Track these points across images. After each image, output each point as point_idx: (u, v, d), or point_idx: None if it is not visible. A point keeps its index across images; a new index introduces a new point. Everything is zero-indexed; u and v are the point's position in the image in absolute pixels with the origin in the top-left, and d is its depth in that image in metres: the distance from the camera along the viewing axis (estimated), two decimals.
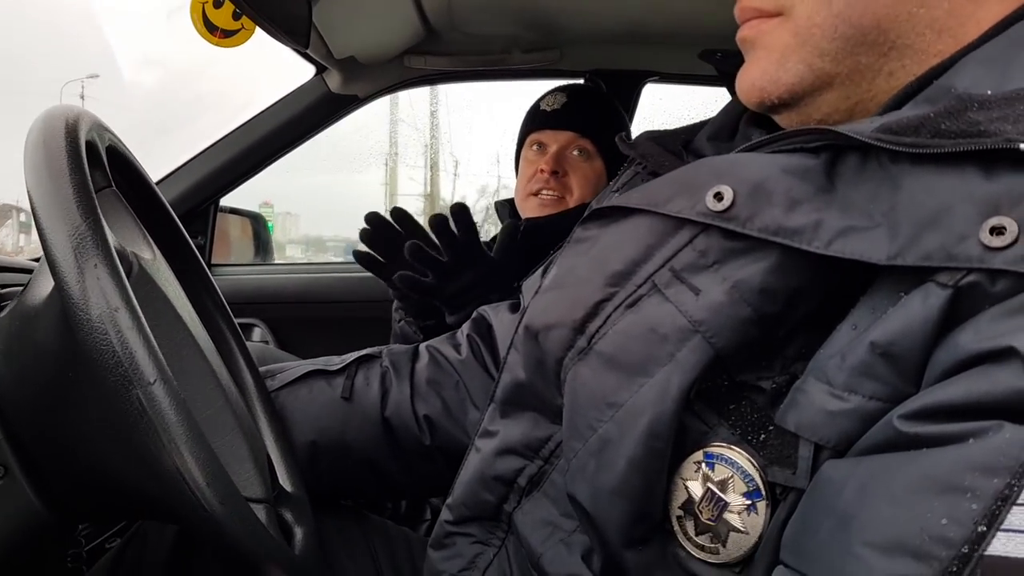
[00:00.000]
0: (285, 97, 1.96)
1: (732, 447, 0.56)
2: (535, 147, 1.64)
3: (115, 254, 0.55)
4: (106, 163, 0.71)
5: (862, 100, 0.61)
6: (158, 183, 1.87)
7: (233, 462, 0.71)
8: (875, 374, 0.49)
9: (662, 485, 0.57)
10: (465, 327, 1.05)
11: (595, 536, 0.62)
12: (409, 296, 1.46)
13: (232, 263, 2.31)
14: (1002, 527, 0.40)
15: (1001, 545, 0.40)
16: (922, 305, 0.47)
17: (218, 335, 0.89)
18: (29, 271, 1.12)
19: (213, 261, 2.14)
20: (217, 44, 1.49)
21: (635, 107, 2.03)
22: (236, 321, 0.94)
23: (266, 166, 2.02)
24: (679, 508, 0.58)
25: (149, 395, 0.52)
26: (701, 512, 0.56)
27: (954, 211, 0.47)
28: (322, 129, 2.00)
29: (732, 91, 0.77)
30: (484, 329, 1.02)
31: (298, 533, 0.74)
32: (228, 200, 2.12)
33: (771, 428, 0.54)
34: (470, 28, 1.81)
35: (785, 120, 0.65)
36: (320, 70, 1.91)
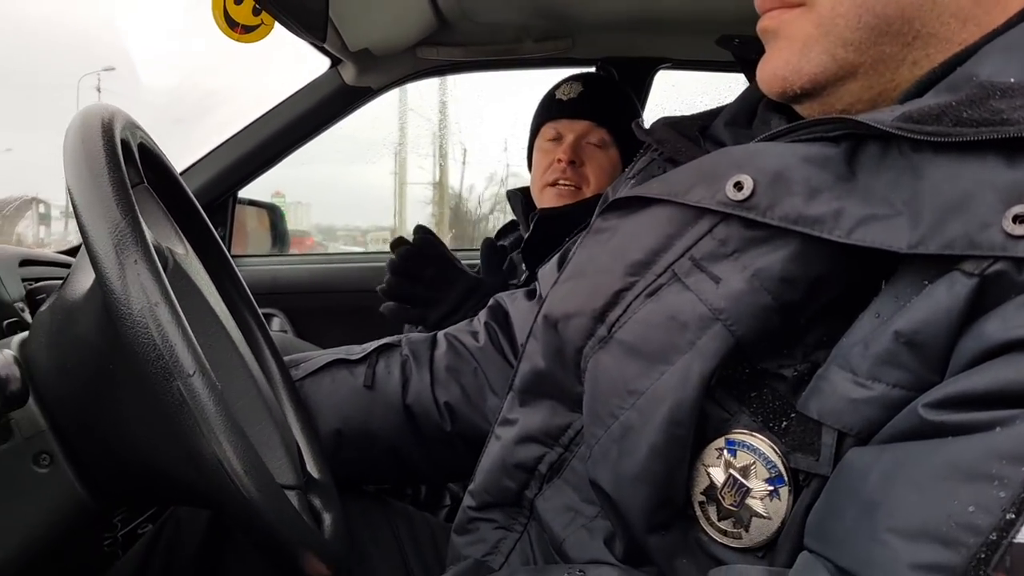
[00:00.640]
0: (301, 90, 1.97)
1: (754, 434, 0.56)
2: (551, 137, 1.63)
3: (153, 250, 0.57)
4: (138, 160, 0.73)
5: (885, 90, 0.61)
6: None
7: (266, 450, 0.72)
8: (899, 362, 0.49)
9: (684, 471, 0.58)
10: (482, 315, 1.06)
11: (618, 521, 0.63)
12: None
13: (250, 254, 2.33)
14: None
15: None
16: (948, 294, 0.48)
17: (245, 327, 0.90)
18: (61, 264, 1.14)
19: (232, 252, 2.16)
20: (238, 39, 1.50)
21: (647, 94, 2.03)
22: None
23: (283, 158, 2.03)
24: (701, 494, 0.59)
25: (189, 386, 0.53)
26: (723, 498, 0.57)
27: (976, 199, 0.48)
28: (337, 121, 2.01)
29: (750, 77, 0.77)
30: (501, 317, 1.03)
31: (327, 519, 0.76)
32: (243, 192, 2.13)
33: (793, 415, 0.55)
34: (482, 17, 1.80)
35: (807, 110, 0.65)
36: (335, 63, 1.92)
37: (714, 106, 0.80)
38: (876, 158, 0.55)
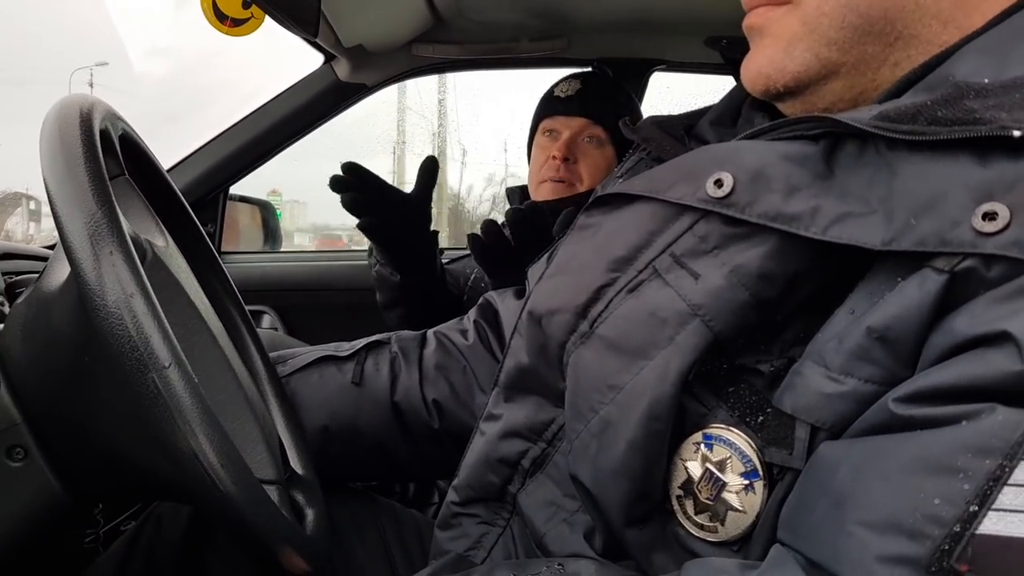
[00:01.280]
0: (294, 85, 1.96)
1: (730, 428, 0.57)
2: (547, 133, 1.66)
3: (130, 241, 0.57)
4: (119, 151, 0.72)
5: (866, 89, 0.61)
6: (168, 171, 1.89)
7: (246, 444, 0.72)
8: (871, 358, 0.50)
9: (662, 465, 0.59)
10: (472, 313, 1.06)
11: (597, 515, 0.63)
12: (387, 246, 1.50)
13: (241, 251, 2.32)
14: (993, 507, 0.41)
15: (992, 524, 0.41)
16: (918, 290, 0.48)
17: (229, 321, 0.90)
18: (43, 258, 1.14)
19: (223, 249, 2.15)
20: (227, 33, 1.50)
21: (643, 95, 2.03)
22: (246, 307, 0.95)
23: (276, 154, 2.03)
24: (679, 488, 0.59)
25: (164, 379, 0.53)
26: (700, 492, 0.58)
27: (948, 197, 0.48)
28: (331, 117, 2.01)
29: (737, 77, 0.78)
30: (490, 315, 1.03)
31: (309, 514, 0.75)
32: (237, 188, 2.13)
33: (769, 410, 0.56)
34: (478, 16, 1.81)
35: (789, 108, 0.66)
36: (329, 58, 1.91)
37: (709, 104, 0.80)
38: (854, 156, 0.55)
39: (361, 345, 1.02)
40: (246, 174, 2.04)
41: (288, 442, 0.85)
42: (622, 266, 0.64)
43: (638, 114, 1.70)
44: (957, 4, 0.58)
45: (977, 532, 0.41)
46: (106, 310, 0.53)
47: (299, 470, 0.82)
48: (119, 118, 0.73)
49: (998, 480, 0.41)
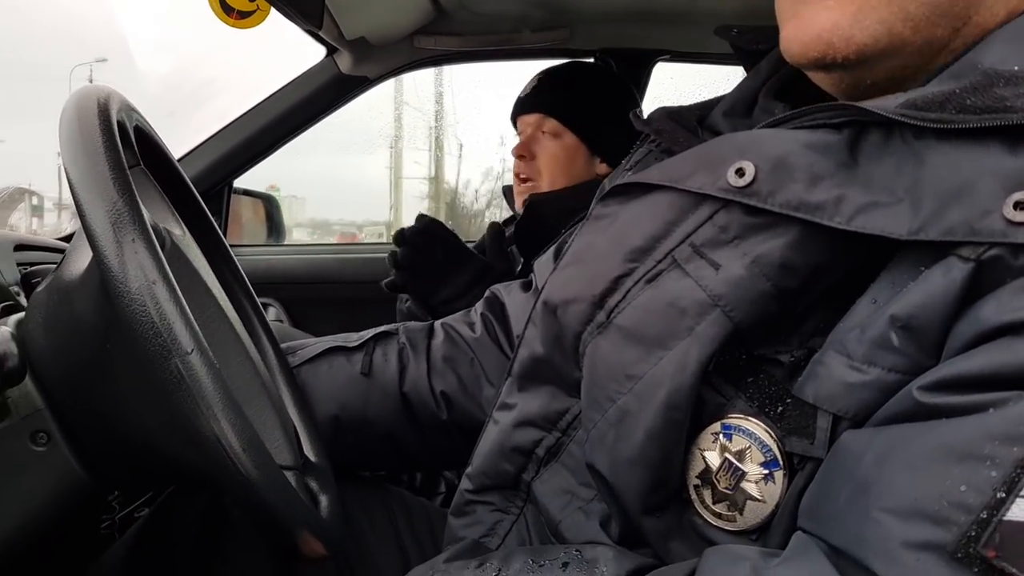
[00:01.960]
0: (297, 79, 1.96)
1: (749, 418, 0.57)
2: (518, 135, 1.68)
3: (151, 229, 0.57)
4: (135, 142, 0.72)
5: (917, 73, 0.59)
6: None
7: (264, 430, 0.72)
8: (895, 347, 0.50)
9: (680, 455, 0.59)
10: (479, 306, 1.06)
11: (614, 504, 0.64)
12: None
13: (245, 244, 2.32)
14: (1021, 493, 0.41)
15: (1020, 510, 0.41)
16: (944, 278, 0.48)
17: (241, 310, 0.90)
18: (56, 250, 1.14)
19: (228, 242, 2.15)
20: (233, 25, 1.50)
21: (646, 86, 2.03)
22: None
23: (279, 147, 2.03)
24: (696, 477, 0.59)
25: (187, 364, 0.53)
26: (718, 481, 0.58)
27: (978, 186, 0.48)
28: (333, 110, 2.01)
29: (747, 67, 0.78)
30: (497, 308, 1.03)
31: (323, 500, 0.76)
32: (236, 182, 2.13)
33: (788, 400, 0.55)
34: (479, 7, 1.81)
35: (832, 81, 0.63)
36: (331, 51, 1.91)
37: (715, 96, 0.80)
38: (878, 145, 0.55)
39: (369, 336, 1.02)
40: (250, 167, 2.04)
41: (301, 430, 0.86)
42: (640, 256, 0.63)
43: (613, 98, 1.67)
44: None
45: (1005, 518, 0.41)
46: (129, 296, 0.53)
47: (312, 457, 0.83)
48: (134, 109, 0.73)
49: None
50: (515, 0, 1.79)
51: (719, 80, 2.15)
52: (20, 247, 1.07)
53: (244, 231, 2.32)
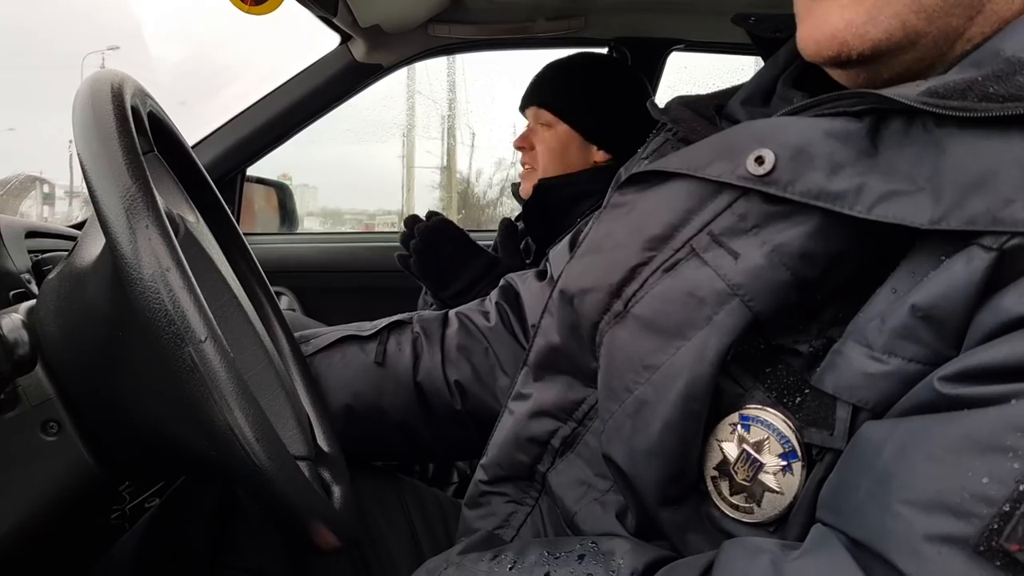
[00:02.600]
0: (311, 66, 1.97)
1: (767, 409, 0.56)
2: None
3: (164, 216, 0.56)
4: (148, 128, 0.72)
5: (935, 64, 0.59)
6: None
7: (278, 420, 0.72)
8: (916, 337, 0.49)
9: (697, 446, 0.58)
10: (493, 295, 1.06)
11: (630, 495, 0.63)
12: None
13: (258, 232, 2.33)
14: None
15: None
16: (965, 268, 0.47)
17: (255, 298, 0.90)
18: (67, 237, 1.14)
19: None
20: (248, 12, 1.49)
21: (660, 76, 2.02)
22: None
23: (292, 135, 2.03)
24: (714, 469, 0.59)
25: (200, 352, 0.53)
26: (736, 473, 0.57)
27: (1000, 175, 0.47)
28: (347, 98, 2.01)
29: (764, 56, 0.77)
30: (512, 297, 1.03)
31: (336, 491, 0.76)
32: (249, 170, 2.13)
33: (807, 391, 0.55)
34: None
35: (849, 77, 0.62)
36: (345, 39, 1.91)
37: (727, 87, 0.79)
38: (899, 133, 0.54)
39: (383, 325, 1.02)
40: (263, 155, 2.05)
41: (315, 419, 0.85)
42: (658, 245, 0.63)
43: (610, 86, 1.68)
44: None
45: None
46: (142, 283, 0.53)
47: (326, 447, 0.83)
48: (148, 95, 0.73)
49: None
50: None
51: (733, 70, 2.15)
52: (32, 234, 1.07)
53: (257, 219, 2.32)
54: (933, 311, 0.49)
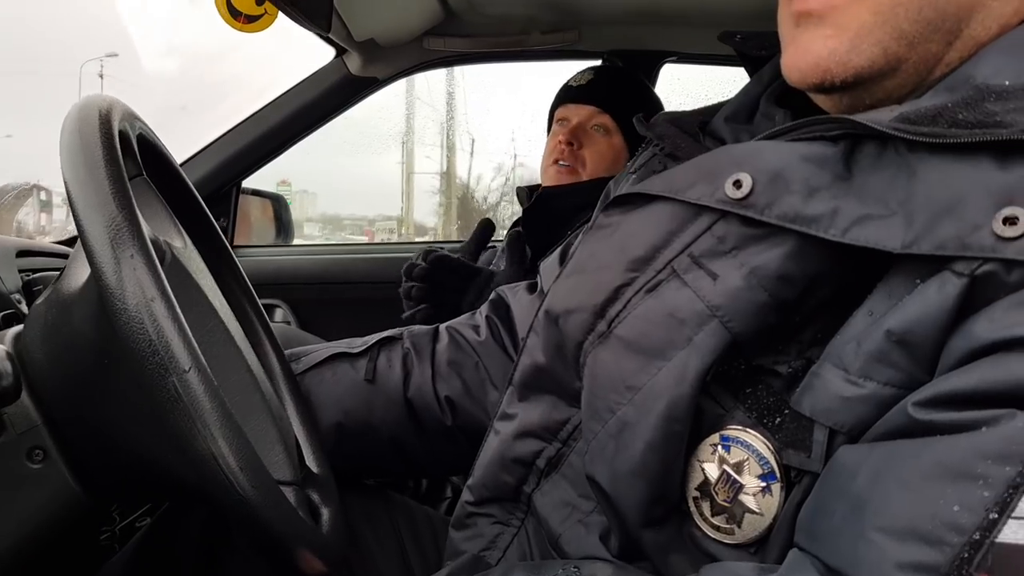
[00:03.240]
0: (306, 79, 1.97)
1: (748, 430, 0.57)
2: (560, 122, 1.71)
3: (150, 244, 0.57)
4: (137, 152, 0.72)
5: (917, 88, 0.60)
6: (181, 165, 1.91)
7: (263, 446, 0.72)
8: (891, 361, 0.50)
9: (679, 467, 0.59)
10: (484, 308, 1.06)
11: (613, 516, 0.64)
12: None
13: (253, 244, 2.33)
14: (1013, 514, 0.41)
15: (1012, 532, 0.41)
16: (938, 293, 0.48)
17: (245, 320, 0.90)
18: (59, 255, 1.14)
19: (235, 243, 2.16)
20: (241, 29, 1.50)
21: (653, 88, 2.03)
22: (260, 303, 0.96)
23: (287, 148, 2.03)
24: (696, 489, 0.59)
25: (184, 382, 0.53)
26: (717, 493, 0.58)
27: (968, 201, 0.48)
28: (342, 111, 2.02)
29: (751, 72, 0.77)
30: (503, 311, 1.03)
31: (325, 513, 0.76)
32: (248, 180, 2.14)
33: (787, 412, 0.56)
34: (489, 9, 1.81)
35: (832, 102, 0.63)
36: (340, 52, 1.92)
37: (717, 100, 0.79)
38: (873, 158, 0.55)
39: (373, 341, 1.02)
40: (258, 168, 2.05)
41: (304, 440, 0.85)
42: (641, 266, 0.63)
43: (655, 107, 1.71)
44: (1017, 11, 0.57)
45: (997, 540, 0.41)
46: (127, 314, 0.53)
47: (315, 469, 0.83)
48: (137, 118, 0.73)
49: (1018, 488, 0.41)
50: (524, 2, 1.79)
51: (726, 82, 2.15)
52: (22, 253, 1.07)
53: (253, 231, 2.32)
54: (907, 336, 0.49)
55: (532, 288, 1.00)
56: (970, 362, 0.46)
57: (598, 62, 1.98)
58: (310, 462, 0.83)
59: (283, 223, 2.42)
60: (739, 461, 0.57)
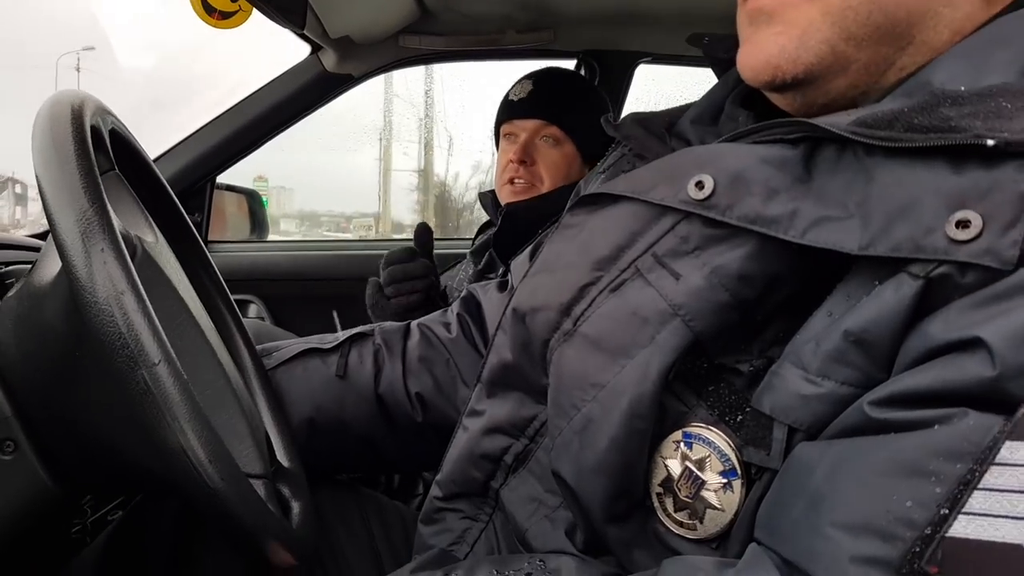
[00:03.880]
0: (281, 76, 1.96)
1: (710, 427, 0.58)
2: (507, 137, 1.67)
3: (120, 238, 0.57)
4: (109, 146, 0.72)
5: (869, 91, 0.61)
6: (155, 160, 1.89)
7: (233, 439, 0.72)
8: (848, 360, 0.51)
9: (643, 463, 0.60)
10: (455, 306, 1.06)
11: (578, 512, 0.64)
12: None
13: (228, 240, 2.32)
14: (963, 510, 0.42)
15: (962, 527, 0.42)
16: (895, 294, 0.49)
17: (216, 314, 0.90)
18: (31, 248, 1.14)
19: (209, 238, 2.15)
20: (215, 26, 1.50)
21: (628, 88, 2.04)
22: (233, 298, 0.96)
23: (262, 144, 2.03)
24: (659, 485, 0.60)
25: (153, 375, 0.53)
26: (679, 489, 0.59)
27: (922, 204, 0.49)
28: (317, 108, 2.01)
29: (719, 75, 0.79)
30: (473, 308, 1.04)
31: (295, 507, 0.76)
32: (224, 176, 2.13)
33: (748, 410, 0.56)
34: (464, 8, 1.82)
35: (787, 101, 0.65)
36: (315, 49, 1.91)
37: (691, 100, 0.80)
38: (832, 161, 0.56)
39: (345, 337, 1.02)
40: (233, 163, 2.04)
41: (274, 435, 0.86)
42: (606, 265, 0.64)
43: (601, 105, 1.70)
44: (968, 17, 0.58)
45: (947, 535, 0.42)
46: (97, 307, 0.53)
47: (285, 463, 0.83)
48: (109, 113, 0.73)
49: (968, 484, 0.42)
50: (500, 1, 1.79)
51: (701, 82, 2.17)
52: None
53: (227, 226, 2.31)
54: (864, 336, 0.50)
55: (503, 287, 1.01)
56: (925, 362, 0.47)
57: (573, 61, 2.00)
58: (280, 456, 0.83)
59: (257, 219, 2.41)
60: (701, 458, 0.58)
